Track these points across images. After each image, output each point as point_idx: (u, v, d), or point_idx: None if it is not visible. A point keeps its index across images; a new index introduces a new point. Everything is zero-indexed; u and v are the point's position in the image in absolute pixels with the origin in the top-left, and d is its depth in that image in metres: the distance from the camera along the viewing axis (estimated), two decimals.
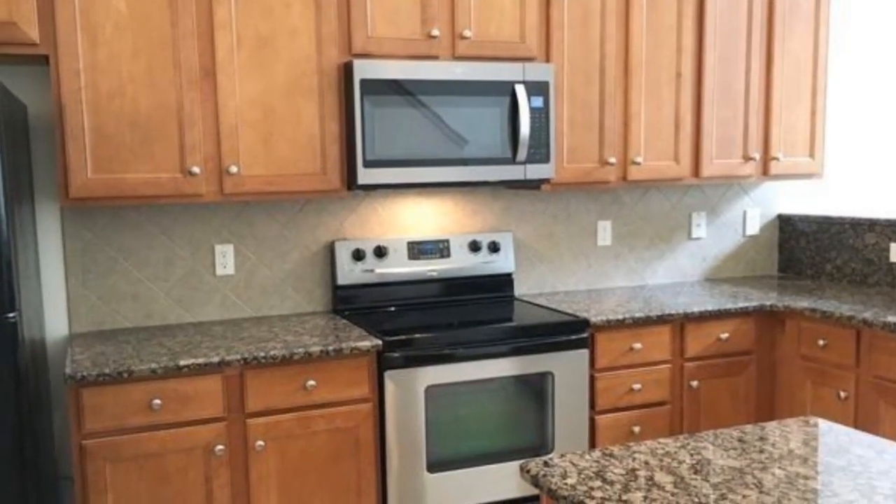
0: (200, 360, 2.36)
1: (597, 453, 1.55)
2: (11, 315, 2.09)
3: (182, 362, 2.34)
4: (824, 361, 2.92)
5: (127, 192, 2.51)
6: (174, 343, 2.58)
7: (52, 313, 2.78)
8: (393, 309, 3.07)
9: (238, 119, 2.61)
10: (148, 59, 2.50)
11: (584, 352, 2.81)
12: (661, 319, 2.93)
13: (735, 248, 3.80)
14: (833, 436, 1.61)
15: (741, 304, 3.07)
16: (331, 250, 3.06)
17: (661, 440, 1.61)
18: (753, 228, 3.82)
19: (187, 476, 2.38)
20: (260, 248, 3.00)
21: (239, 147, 2.62)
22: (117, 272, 2.82)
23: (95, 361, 2.36)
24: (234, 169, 2.60)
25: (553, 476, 1.44)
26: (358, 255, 3.02)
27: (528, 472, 1.48)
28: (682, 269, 3.70)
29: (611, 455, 1.54)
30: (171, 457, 2.36)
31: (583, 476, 1.44)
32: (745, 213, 3.79)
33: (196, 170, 2.55)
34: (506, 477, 2.74)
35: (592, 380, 2.88)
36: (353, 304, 3.05)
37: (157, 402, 2.33)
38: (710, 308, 3.01)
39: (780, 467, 1.46)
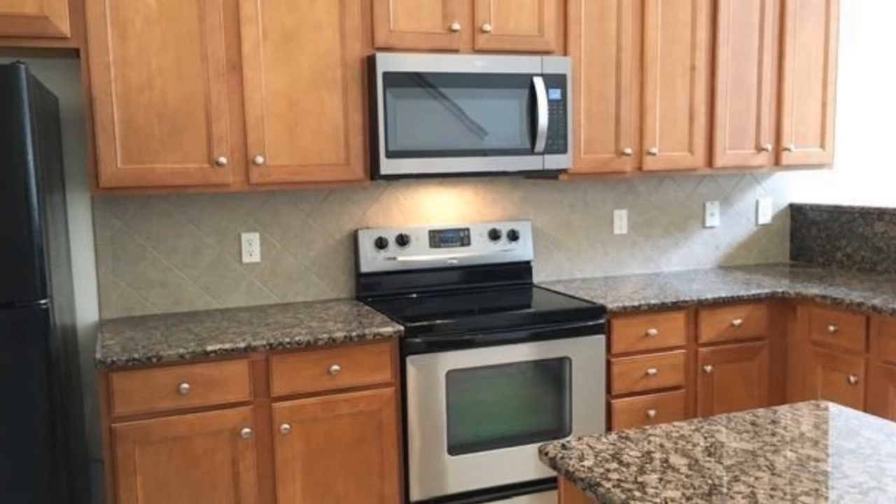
0: (227, 346, 2.44)
1: (613, 436, 1.62)
2: (43, 301, 2.17)
3: (209, 347, 2.42)
4: (835, 347, 2.97)
5: (156, 181, 2.59)
6: (201, 329, 2.66)
7: (83, 300, 2.87)
8: (415, 296, 3.15)
9: (264, 111, 2.68)
10: (176, 52, 2.57)
11: (601, 337, 2.88)
12: (676, 306, 2.99)
13: (748, 237, 3.85)
14: (843, 419, 1.67)
15: (754, 291, 3.12)
16: (354, 239, 3.14)
17: (676, 423, 1.68)
18: (766, 217, 3.86)
19: (214, 458, 2.47)
20: (285, 237, 3.08)
21: (265, 138, 2.69)
22: (146, 260, 2.91)
23: (125, 347, 2.44)
24: (259, 159, 2.67)
25: (570, 458, 1.51)
26: (380, 244, 3.10)
27: (546, 454, 1.55)
28: (696, 257, 3.76)
29: (627, 438, 1.61)
30: (198, 440, 2.45)
31: (599, 458, 1.51)
32: (757, 202, 3.84)
33: (223, 160, 2.63)
34: (524, 459, 2.82)
35: (609, 365, 2.95)
36: (375, 290, 3.13)
37: (185, 386, 2.41)
38: (723, 295, 3.07)
39: (791, 450, 1.52)
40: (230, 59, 2.64)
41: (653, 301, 2.97)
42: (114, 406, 2.36)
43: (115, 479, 2.38)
